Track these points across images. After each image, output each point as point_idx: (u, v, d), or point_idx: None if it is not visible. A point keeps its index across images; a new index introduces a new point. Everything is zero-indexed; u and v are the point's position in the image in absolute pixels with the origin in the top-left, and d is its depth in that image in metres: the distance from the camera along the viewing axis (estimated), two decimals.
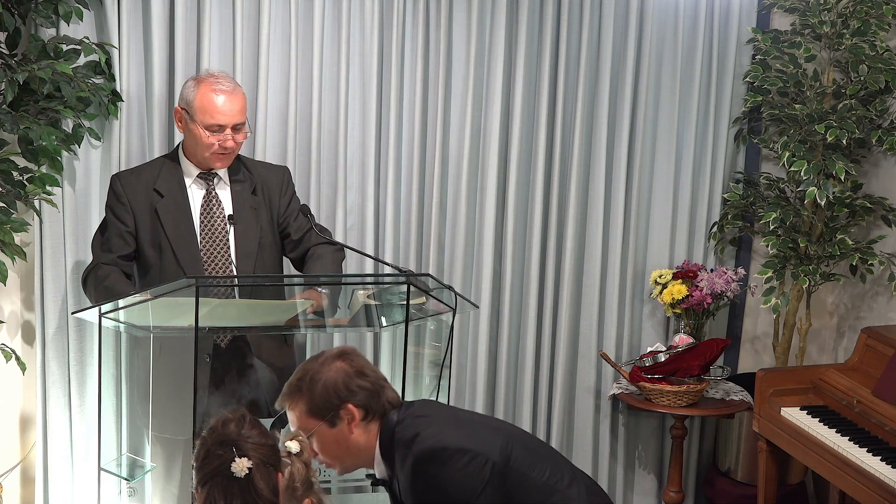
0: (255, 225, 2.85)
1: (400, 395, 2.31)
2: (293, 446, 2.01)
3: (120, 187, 2.82)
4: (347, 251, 2.99)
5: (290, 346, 2.96)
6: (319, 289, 2.73)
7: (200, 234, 2.81)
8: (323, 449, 2.21)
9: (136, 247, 2.82)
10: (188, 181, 2.84)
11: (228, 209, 2.85)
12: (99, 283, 2.73)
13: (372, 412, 2.19)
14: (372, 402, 2.19)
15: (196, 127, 2.76)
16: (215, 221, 2.83)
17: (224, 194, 2.87)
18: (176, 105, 2.87)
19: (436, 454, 2.12)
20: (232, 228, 2.83)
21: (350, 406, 2.17)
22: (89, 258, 3.11)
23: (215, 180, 2.86)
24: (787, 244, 3.61)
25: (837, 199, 3.54)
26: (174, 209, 2.81)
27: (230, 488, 1.89)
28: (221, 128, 2.76)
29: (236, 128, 2.78)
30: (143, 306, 2.44)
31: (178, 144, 2.90)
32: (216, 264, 2.81)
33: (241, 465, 1.89)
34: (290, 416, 2.24)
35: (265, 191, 2.91)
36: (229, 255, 2.82)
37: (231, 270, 2.82)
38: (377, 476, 2.27)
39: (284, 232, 2.94)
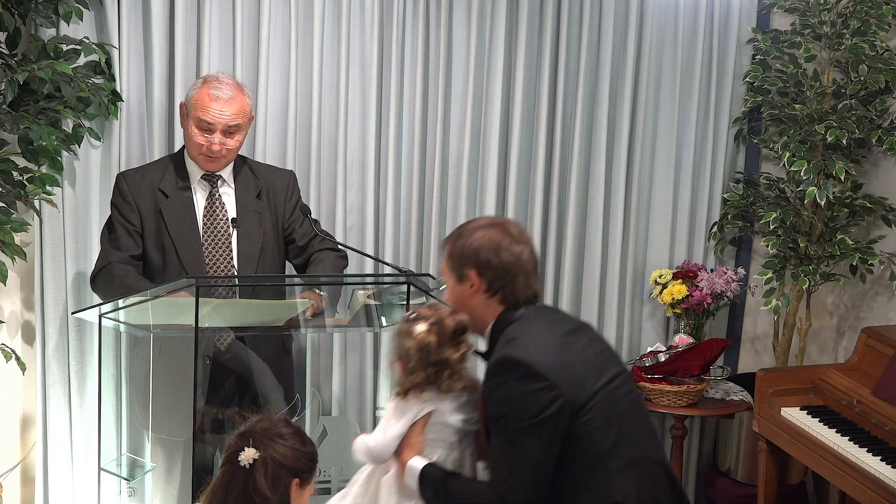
0: (258, 229, 2.85)
1: (521, 305, 2.19)
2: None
3: (125, 186, 2.81)
4: (347, 251, 2.99)
5: (288, 350, 2.96)
6: (318, 291, 2.73)
7: (203, 235, 2.81)
8: (450, 297, 2.24)
9: (143, 247, 2.81)
10: (192, 182, 2.84)
11: (232, 212, 2.85)
12: (115, 282, 2.70)
13: (495, 291, 2.17)
14: (498, 283, 2.16)
15: (189, 123, 2.77)
16: (218, 224, 2.83)
17: (228, 197, 2.86)
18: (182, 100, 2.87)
19: (514, 365, 2.07)
20: (235, 231, 2.83)
21: (473, 274, 2.17)
22: (89, 258, 3.12)
23: (219, 183, 2.85)
24: (787, 244, 3.61)
25: (837, 199, 3.54)
26: (178, 210, 2.80)
27: (235, 477, 1.92)
28: (210, 127, 2.74)
29: (227, 132, 2.77)
30: (143, 306, 2.44)
31: (184, 145, 2.90)
32: (218, 267, 2.81)
33: (247, 455, 1.91)
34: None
35: (270, 195, 2.90)
36: (231, 258, 2.82)
37: (232, 273, 2.82)
38: (482, 351, 2.26)
39: (289, 237, 2.93)
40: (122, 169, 3.08)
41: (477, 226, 2.21)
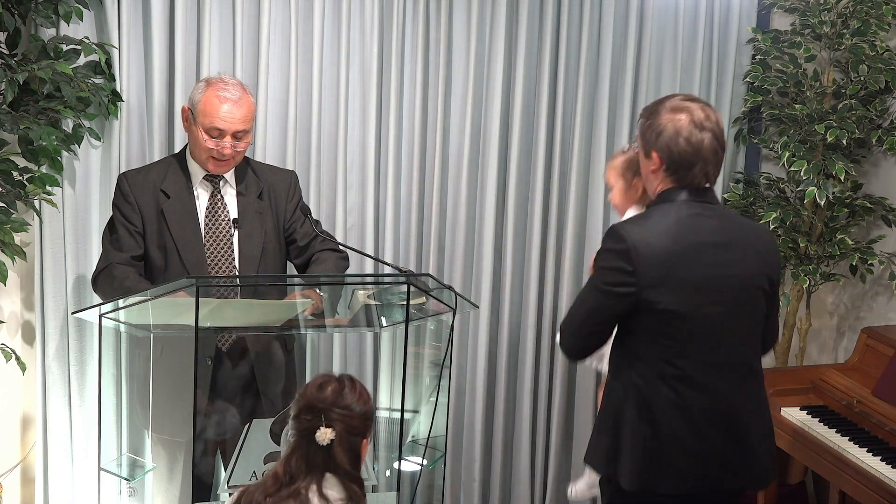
0: (259, 229, 2.85)
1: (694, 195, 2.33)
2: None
3: (127, 187, 2.80)
4: (347, 251, 2.99)
5: (289, 350, 2.96)
6: (318, 291, 2.73)
7: (205, 236, 2.81)
8: (642, 168, 2.42)
9: (144, 248, 2.81)
10: (194, 183, 2.83)
11: (233, 213, 2.84)
12: (116, 283, 2.69)
13: (672, 172, 2.31)
14: (674, 167, 2.31)
15: (197, 129, 2.75)
16: (220, 224, 2.83)
17: (230, 197, 2.86)
18: (184, 104, 2.86)
19: (617, 238, 2.27)
20: (236, 232, 2.83)
21: (656, 155, 2.32)
22: (90, 258, 3.12)
23: (221, 183, 2.85)
24: (788, 244, 3.61)
25: (837, 199, 3.55)
26: (180, 211, 2.80)
27: (313, 453, 2.05)
28: (221, 133, 2.74)
29: (237, 135, 2.76)
30: (143, 306, 2.43)
31: (186, 145, 2.89)
32: (220, 267, 2.81)
33: (324, 435, 2.03)
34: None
35: (272, 195, 2.90)
36: (233, 259, 2.82)
37: (234, 274, 2.82)
38: None
39: (290, 238, 2.93)
40: (123, 169, 3.08)
41: (667, 107, 2.32)
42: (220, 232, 2.82)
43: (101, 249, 2.85)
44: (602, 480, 2.47)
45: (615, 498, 2.38)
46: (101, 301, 2.58)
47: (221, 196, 2.85)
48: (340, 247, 2.97)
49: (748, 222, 2.45)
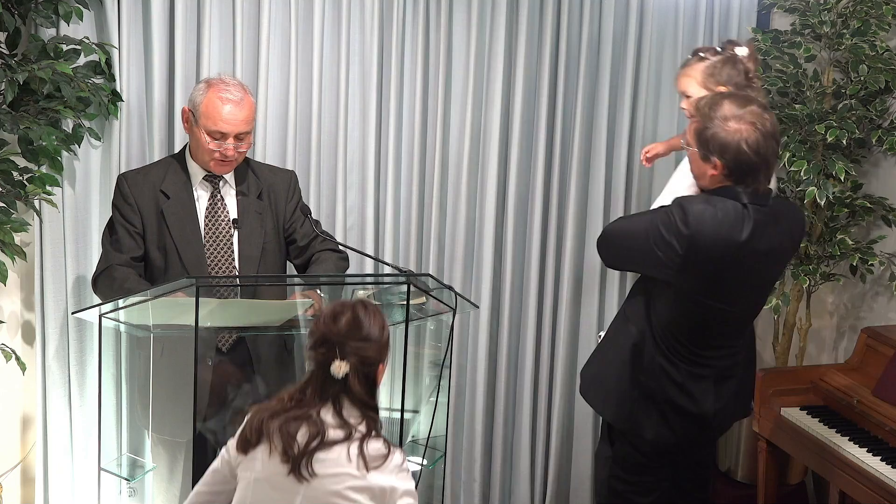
0: (259, 229, 2.85)
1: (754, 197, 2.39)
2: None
3: (127, 188, 2.80)
4: (347, 251, 2.99)
5: (290, 350, 2.96)
6: (318, 291, 2.73)
7: (205, 236, 2.81)
8: (690, 160, 2.45)
9: (144, 248, 2.80)
10: (194, 183, 2.83)
11: (233, 213, 2.84)
12: (116, 284, 2.69)
13: (734, 178, 2.33)
14: (737, 174, 2.32)
15: (199, 131, 2.75)
16: (220, 225, 2.83)
17: (230, 198, 2.86)
18: (184, 105, 2.85)
19: (682, 212, 2.33)
20: (236, 232, 2.83)
21: (717, 161, 2.32)
22: (90, 258, 3.12)
23: (221, 183, 2.85)
24: None
25: (837, 199, 3.55)
26: (180, 211, 2.79)
27: (328, 385, 2.05)
28: (224, 136, 2.74)
29: (239, 137, 2.76)
30: (143, 306, 2.44)
31: (185, 145, 2.89)
32: (220, 268, 2.81)
33: (339, 368, 2.03)
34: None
35: (271, 195, 2.90)
36: (233, 259, 2.82)
37: (233, 274, 2.82)
38: None
39: (290, 238, 2.93)
40: (123, 169, 3.08)
41: (728, 113, 2.30)
42: (220, 232, 2.82)
43: (101, 250, 2.85)
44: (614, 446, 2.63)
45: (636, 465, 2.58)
46: (101, 301, 2.59)
47: (221, 196, 2.84)
48: (340, 247, 2.97)
49: (789, 221, 2.50)
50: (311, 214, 2.91)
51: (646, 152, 3.04)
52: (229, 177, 2.86)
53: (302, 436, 2.05)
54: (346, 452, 2.05)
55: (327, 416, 2.07)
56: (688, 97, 2.72)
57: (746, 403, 2.71)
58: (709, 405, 2.51)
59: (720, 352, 2.52)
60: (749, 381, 2.71)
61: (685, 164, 2.63)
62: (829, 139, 3.39)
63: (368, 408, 2.09)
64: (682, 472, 2.68)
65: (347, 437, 2.05)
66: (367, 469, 2.04)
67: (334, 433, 2.05)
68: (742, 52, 2.71)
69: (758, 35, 3.63)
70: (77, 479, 3.22)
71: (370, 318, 2.08)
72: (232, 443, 2.15)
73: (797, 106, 3.53)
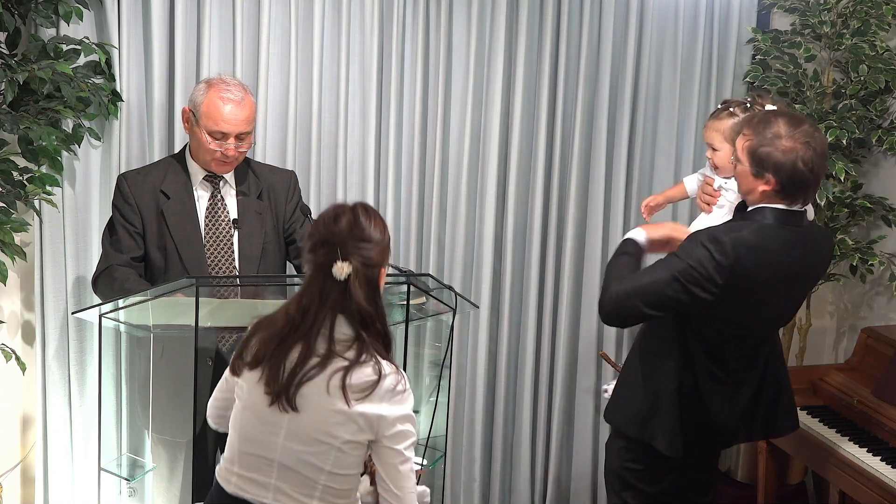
0: (259, 230, 2.85)
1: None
2: None
3: (127, 188, 2.80)
4: None
5: None
6: None
7: (205, 237, 2.81)
8: (738, 176, 2.47)
9: (144, 248, 2.80)
10: (194, 183, 2.83)
11: (233, 213, 2.84)
12: (116, 284, 2.69)
13: (784, 195, 2.39)
14: (789, 190, 2.38)
15: (200, 131, 2.75)
16: (220, 225, 2.83)
17: (230, 198, 2.86)
18: (184, 105, 2.85)
19: (723, 243, 2.36)
20: (236, 232, 2.83)
21: (771, 178, 2.37)
22: (90, 258, 3.12)
23: (221, 183, 2.85)
24: None
25: (837, 199, 3.55)
26: (180, 211, 2.79)
27: (329, 288, 1.98)
28: (225, 136, 2.74)
29: (240, 136, 2.76)
30: (143, 306, 2.43)
31: (185, 145, 2.89)
32: (220, 268, 2.81)
33: (341, 270, 1.97)
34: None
35: (271, 196, 2.90)
36: (233, 259, 2.82)
37: (234, 274, 2.82)
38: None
39: (290, 238, 2.93)
40: (123, 169, 3.08)
41: (784, 132, 2.36)
42: (220, 232, 2.82)
43: (101, 250, 2.85)
44: (628, 441, 2.66)
45: (647, 458, 2.60)
46: (101, 301, 2.59)
47: (221, 196, 2.84)
48: None
49: (820, 244, 2.56)
50: (311, 215, 2.91)
51: (646, 204, 3.00)
52: (229, 177, 2.86)
53: (290, 363, 1.99)
54: (327, 385, 1.97)
55: (320, 341, 2.00)
56: (714, 150, 2.77)
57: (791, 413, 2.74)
58: (732, 417, 2.58)
59: (749, 373, 2.59)
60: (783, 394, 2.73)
61: (699, 222, 2.77)
62: (830, 139, 3.39)
63: (366, 321, 2.00)
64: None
65: (331, 367, 1.98)
66: (350, 401, 1.97)
67: (319, 362, 1.98)
68: (771, 108, 2.68)
69: (758, 35, 3.63)
70: (77, 479, 3.22)
71: (371, 219, 2.02)
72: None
73: (797, 106, 3.54)
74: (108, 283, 2.73)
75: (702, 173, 2.95)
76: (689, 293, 2.36)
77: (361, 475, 2.13)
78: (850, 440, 3.03)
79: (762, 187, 2.40)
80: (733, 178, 2.62)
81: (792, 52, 3.59)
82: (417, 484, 2.15)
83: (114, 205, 2.83)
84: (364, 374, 1.99)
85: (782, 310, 2.60)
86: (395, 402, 2.01)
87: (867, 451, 2.96)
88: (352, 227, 1.99)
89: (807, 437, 3.13)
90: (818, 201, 3.44)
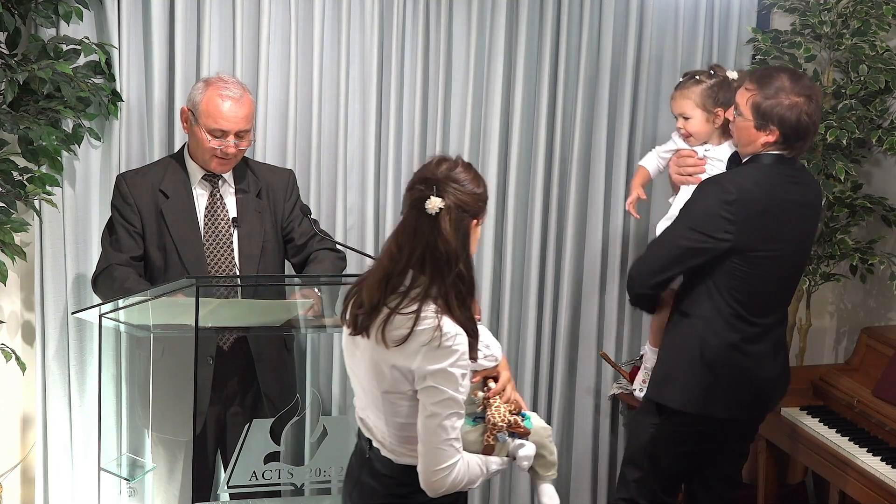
0: (258, 228, 2.85)
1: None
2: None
3: (126, 188, 2.80)
4: (347, 251, 2.99)
5: (290, 349, 2.96)
6: (317, 291, 2.73)
7: (205, 236, 2.81)
8: (739, 129, 2.64)
9: (143, 248, 2.80)
10: (193, 183, 2.83)
11: (233, 212, 2.85)
12: (116, 284, 2.69)
13: (785, 145, 2.58)
14: (791, 140, 2.57)
15: (199, 130, 2.75)
16: (219, 224, 2.83)
17: (229, 197, 2.86)
18: (183, 105, 2.85)
19: (722, 182, 2.60)
20: (235, 231, 2.83)
21: (776, 130, 2.55)
22: (90, 258, 3.12)
23: (220, 183, 2.85)
24: None
25: (837, 199, 3.55)
26: (179, 211, 2.80)
27: (421, 223, 2.06)
28: (224, 133, 2.74)
29: (240, 134, 2.77)
30: (143, 306, 2.44)
31: (184, 145, 2.89)
32: (220, 267, 2.81)
33: (433, 204, 2.05)
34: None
35: (270, 194, 2.90)
36: (233, 258, 2.82)
37: (234, 273, 2.82)
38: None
39: (288, 236, 2.93)
40: (123, 169, 3.08)
41: (789, 86, 2.54)
42: (220, 231, 2.82)
43: (101, 250, 2.85)
44: (647, 403, 2.81)
45: (666, 419, 2.73)
46: (101, 301, 2.59)
47: (221, 196, 2.84)
48: (339, 246, 2.97)
49: (813, 183, 2.77)
50: (310, 214, 2.91)
51: (630, 204, 3.13)
52: (228, 176, 2.86)
53: (368, 296, 2.08)
54: (373, 328, 2.05)
55: (403, 279, 2.07)
56: (686, 118, 2.92)
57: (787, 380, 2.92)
58: (773, 373, 2.76)
59: (776, 317, 2.74)
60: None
61: (682, 195, 2.91)
62: (829, 139, 3.39)
63: (450, 262, 2.04)
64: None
65: (383, 313, 2.05)
66: (388, 347, 2.03)
67: (390, 301, 2.06)
68: (733, 75, 2.92)
69: (758, 35, 3.63)
70: (77, 479, 3.22)
71: (470, 173, 2.12)
72: None
73: None
74: (107, 283, 2.73)
75: (665, 150, 3.07)
76: (714, 239, 2.56)
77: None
78: (850, 440, 3.03)
79: (764, 139, 2.58)
80: (712, 144, 2.86)
81: (792, 52, 3.58)
82: (521, 439, 2.23)
83: (113, 205, 2.83)
84: (400, 323, 2.03)
85: (797, 243, 2.70)
86: (429, 357, 2.01)
87: (867, 451, 2.96)
88: (451, 171, 2.09)
89: (807, 437, 3.13)
90: None
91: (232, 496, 2.60)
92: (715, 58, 3.65)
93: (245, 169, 2.89)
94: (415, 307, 2.02)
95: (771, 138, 2.57)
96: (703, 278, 2.65)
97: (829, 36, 3.53)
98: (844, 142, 3.39)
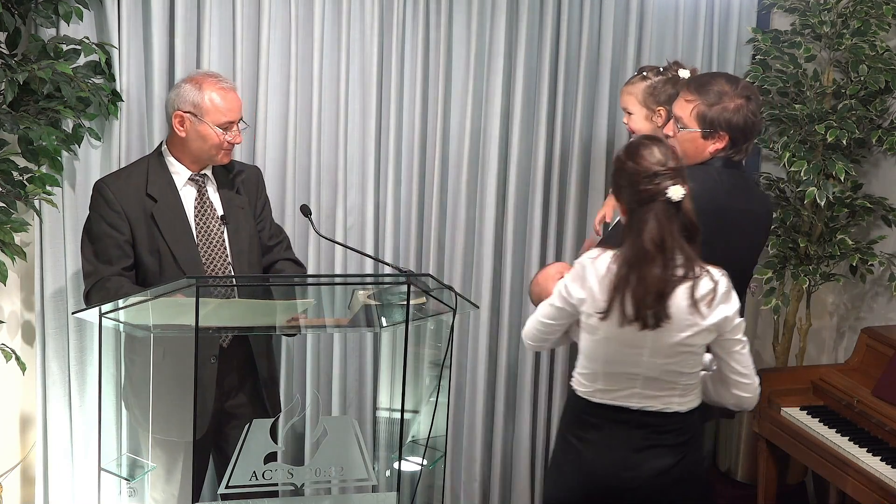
0: (245, 224, 2.86)
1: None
2: None
3: (111, 194, 2.72)
4: (348, 251, 2.99)
5: (289, 348, 2.96)
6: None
7: (197, 236, 2.80)
8: (684, 142, 2.60)
9: (133, 256, 2.75)
10: (179, 183, 2.81)
11: (220, 209, 2.84)
12: (111, 295, 2.62)
13: (733, 150, 2.58)
14: (739, 143, 2.57)
15: (206, 127, 2.74)
16: (210, 223, 2.82)
17: (214, 195, 2.85)
18: (175, 110, 2.77)
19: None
20: (225, 228, 2.83)
21: (725, 136, 2.56)
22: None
23: (205, 181, 2.85)
24: (788, 244, 3.61)
25: (837, 199, 3.55)
26: (170, 213, 2.76)
27: (670, 210, 2.23)
28: (231, 124, 2.76)
29: (239, 122, 2.80)
30: (143, 306, 2.43)
31: (161, 144, 2.86)
32: (215, 266, 2.80)
33: (677, 192, 2.22)
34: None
35: (247, 190, 2.91)
36: (226, 256, 2.82)
37: (228, 270, 2.82)
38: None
39: (259, 234, 2.94)
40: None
41: (728, 91, 2.55)
42: (211, 230, 2.81)
43: (84, 264, 2.74)
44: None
45: None
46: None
47: (207, 193, 2.84)
48: (303, 265, 2.99)
49: (758, 193, 2.79)
50: (310, 214, 2.91)
51: (597, 223, 3.10)
52: (210, 173, 2.86)
53: (653, 284, 2.22)
54: (682, 302, 2.24)
55: (676, 262, 2.24)
56: (629, 114, 2.97)
57: None
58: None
59: None
60: None
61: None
62: (829, 139, 3.39)
63: (693, 236, 2.26)
64: None
65: (684, 285, 2.24)
66: (701, 312, 2.25)
67: (677, 281, 2.23)
68: (684, 74, 2.91)
69: (758, 35, 3.63)
70: (77, 479, 3.23)
71: (669, 146, 2.30)
72: (573, 288, 2.37)
73: (797, 106, 3.54)
74: (101, 296, 2.65)
75: None
76: None
77: None
78: (850, 440, 3.03)
79: (713, 146, 2.57)
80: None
81: (792, 52, 3.59)
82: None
83: (97, 214, 2.73)
84: (704, 283, 2.25)
85: (742, 251, 2.66)
86: (730, 301, 2.29)
87: (867, 451, 2.96)
88: (667, 156, 2.25)
89: (807, 437, 3.13)
90: (818, 201, 3.43)
91: (232, 496, 2.60)
92: (715, 58, 3.66)
93: (220, 166, 2.88)
94: (699, 269, 2.25)
95: (720, 144, 2.56)
96: None
97: (829, 36, 3.53)
98: (844, 142, 3.39)
